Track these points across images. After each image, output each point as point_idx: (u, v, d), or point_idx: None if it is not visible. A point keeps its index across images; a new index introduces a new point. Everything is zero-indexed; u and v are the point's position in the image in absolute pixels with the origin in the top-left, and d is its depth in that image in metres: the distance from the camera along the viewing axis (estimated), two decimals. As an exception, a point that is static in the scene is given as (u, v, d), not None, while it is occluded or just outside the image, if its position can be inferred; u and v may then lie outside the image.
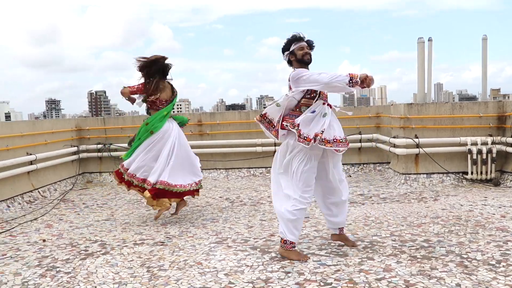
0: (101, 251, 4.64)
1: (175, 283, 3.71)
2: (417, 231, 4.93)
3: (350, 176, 8.83)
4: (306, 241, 4.71)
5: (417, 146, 7.60)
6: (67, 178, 8.79)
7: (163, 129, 5.64)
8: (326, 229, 5.08)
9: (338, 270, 3.85)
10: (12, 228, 5.74)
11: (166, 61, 5.73)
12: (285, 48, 4.31)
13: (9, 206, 6.78)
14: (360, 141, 9.11)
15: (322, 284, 3.58)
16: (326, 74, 4.00)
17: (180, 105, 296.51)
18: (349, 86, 3.94)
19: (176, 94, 5.83)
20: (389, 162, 8.81)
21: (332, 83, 3.98)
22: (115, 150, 9.31)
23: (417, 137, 7.62)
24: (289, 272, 3.84)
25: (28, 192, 7.41)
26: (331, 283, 3.59)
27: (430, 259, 4.05)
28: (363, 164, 9.19)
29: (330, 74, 3.98)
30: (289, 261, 4.11)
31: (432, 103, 8.55)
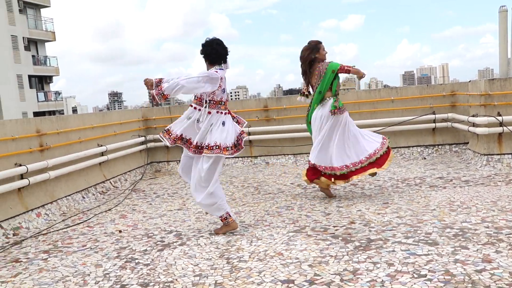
0: (177, 242, 4.57)
1: (258, 275, 3.55)
2: None
3: (425, 158, 8.40)
4: (389, 228, 4.44)
5: (501, 124, 7.08)
6: (136, 168, 8.87)
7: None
8: (409, 215, 4.79)
9: (431, 261, 3.57)
10: (89, 219, 5.79)
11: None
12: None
13: (84, 197, 6.88)
14: (434, 121, 8.64)
15: (415, 276, 3.32)
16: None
17: (238, 92, 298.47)
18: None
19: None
20: (467, 143, 8.31)
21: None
22: (182, 139, 9.30)
23: (500, 115, 7.10)
24: (377, 263, 3.60)
25: (100, 183, 7.51)
26: (426, 275, 3.31)
27: (534, 247, 3.69)
28: (438, 145, 8.71)
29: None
30: (375, 250, 3.87)
31: (517, 77, 7.93)
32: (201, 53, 4.72)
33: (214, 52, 4.64)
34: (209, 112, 4.58)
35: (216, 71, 4.57)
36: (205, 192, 4.59)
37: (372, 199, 5.66)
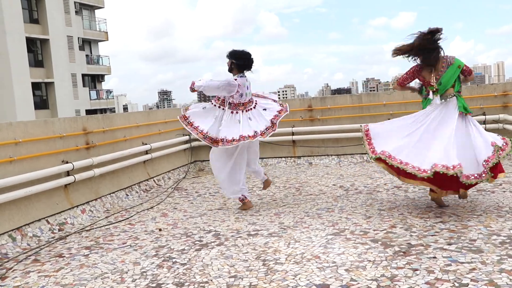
0: (215, 241, 4.58)
1: (293, 278, 3.51)
2: None
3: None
4: (432, 233, 4.29)
5: (555, 126, 6.74)
6: (180, 167, 8.98)
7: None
8: (453, 221, 4.62)
9: (474, 269, 3.42)
10: (131, 216, 5.90)
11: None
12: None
13: (127, 195, 7.02)
14: (484, 122, 8.31)
15: (456, 284, 3.19)
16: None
17: (285, 91, 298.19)
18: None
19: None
20: (520, 145, 7.94)
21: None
22: (225, 138, 9.34)
23: (555, 117, 6.76)
24: (416, 269, 3.49)
25: (144, 181, 7.65)
26: (467, 284, 3.18)
27: None
28: (489, 147, 8.37)
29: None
30: (415, 256, 3.75)
31: None
32: (232, 60, 5.66)
33: (247, 63, 5.68)
34: (232, 112, 5.59)
35: (236, 79, 5.56)
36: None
37: (416, 202, 5.50)
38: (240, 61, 5.65)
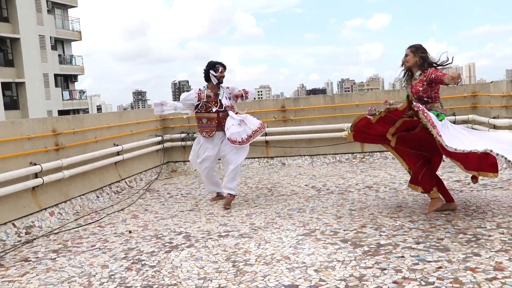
0: (185, 243, 4.54)
1: (262, 279, 3.50)
2: (528, 223, 4.39)
3: (444, 160, 8.21)
4: (401, 233, 4.33)
5: (522, 126, 6.89)
6: (152, 168, 8.90)
7: None
8: (422, 220, 4.68)
9: (440, 268, 3.46)
10: (101, 218, 5.81)
11: None
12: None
13: (98, 197, 6.92)
14: (454, 122, 8.42)
15: (423, 283, 3.23)
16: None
17: (261, 91, 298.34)
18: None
19: None
20: (488, 145, 8.10)
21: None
22: (198, 138, 9.29)
23: (521, 117, 6.90)
24: (384, 269, 3.52)
25: (115, 182, 7.55)
26: (433, 283, 3.22)
27: (549, 256, 3.56)
28: (458, 147, 8.51)
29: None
30: (384, 256, 3.78)
31: (539, 79, 7.70)
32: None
33: None
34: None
35: None
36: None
37: (386, 202, 5.55)
38: None
